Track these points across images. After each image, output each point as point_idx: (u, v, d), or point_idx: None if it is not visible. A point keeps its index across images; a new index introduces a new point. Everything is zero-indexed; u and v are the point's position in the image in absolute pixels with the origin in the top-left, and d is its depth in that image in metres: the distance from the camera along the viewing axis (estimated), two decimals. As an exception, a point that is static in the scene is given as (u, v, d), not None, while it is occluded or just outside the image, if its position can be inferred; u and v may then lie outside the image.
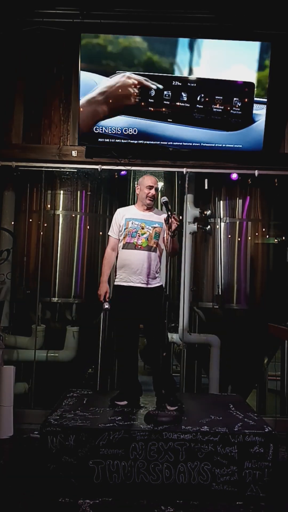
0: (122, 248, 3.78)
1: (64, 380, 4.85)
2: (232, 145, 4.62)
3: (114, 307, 3.79)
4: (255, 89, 4.51)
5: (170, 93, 4.50)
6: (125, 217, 3.82)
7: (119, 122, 4.58)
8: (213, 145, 4.62)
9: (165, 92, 4.50)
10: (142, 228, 3.74)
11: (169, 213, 3.50)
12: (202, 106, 4.51)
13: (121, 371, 3.86)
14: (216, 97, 4.51)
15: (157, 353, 3.49)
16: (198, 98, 4.51)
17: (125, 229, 3.77)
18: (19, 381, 4.81)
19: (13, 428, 4.26)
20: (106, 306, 3.78)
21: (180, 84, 4.50)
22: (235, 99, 4.51)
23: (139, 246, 3.71)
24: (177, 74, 4.51)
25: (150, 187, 3.78)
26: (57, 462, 3.11)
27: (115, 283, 3.81)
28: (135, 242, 3.71)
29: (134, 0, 4.59)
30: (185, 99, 4.52)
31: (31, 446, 3.99)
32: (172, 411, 3.50)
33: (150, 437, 3.12)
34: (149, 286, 3.70)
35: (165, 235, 3.66)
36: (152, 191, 3.78)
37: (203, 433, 3.14)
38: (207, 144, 4.61)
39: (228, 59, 4.50)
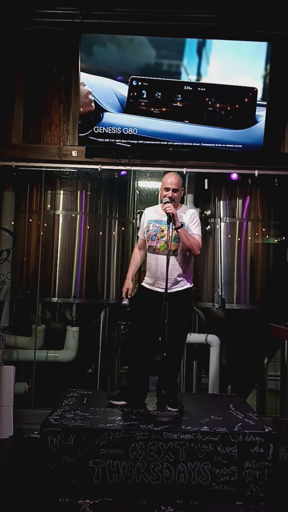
0: (147, 251, 3.74)
1: (64, 380, 4.85)
2: (232, 145, 4.62)
3: (132, 306, 3.74)
4: (258, 92, 4.56)
5: (179, 95, 4.56)
6: (148, 218, 3.74)
7: (119, 121, 4.58)
8: (213, 145, 4.62)
9: (173, 94, 4.57)
10: (162, 231, 3.60)
11: (171, 214, 3.46)
12: (210, 108, 4.58)
13: (128, 369, 3.85)
14: (222, 99, 4.56)
15: (169, 356, 3.43)
16: (206, 100, 4.56)
17: (147, 231, 3.70)
18: (19, 381, 4.81)
19: (13, 428, 4.27)
20: (125, 302, 3.68)
21: (191, 88, 4.54)
22: (239, 101, 4.56)
23: (158, 250, 3.62)
24: (184, 79, 4.53)
25: (167, 189, 3.61)
26: (57, 462, 3.10)
27: (141, 283, 3.79)
28: (154, 246, 3.63)
29: (134, 0, 4.60)
30: (191, 100, 4.56)
31: (31, 446, 4.00)
32: (172, 411, 3.50)
33: (150, 437, 3.12)
34: (168, 291, 3.47)
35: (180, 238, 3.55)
36: (169, 193, 3.59)
37: (203, 433, 3.14)
38: (208, 144, 4.62)
39: (234, 68, 4.58)
